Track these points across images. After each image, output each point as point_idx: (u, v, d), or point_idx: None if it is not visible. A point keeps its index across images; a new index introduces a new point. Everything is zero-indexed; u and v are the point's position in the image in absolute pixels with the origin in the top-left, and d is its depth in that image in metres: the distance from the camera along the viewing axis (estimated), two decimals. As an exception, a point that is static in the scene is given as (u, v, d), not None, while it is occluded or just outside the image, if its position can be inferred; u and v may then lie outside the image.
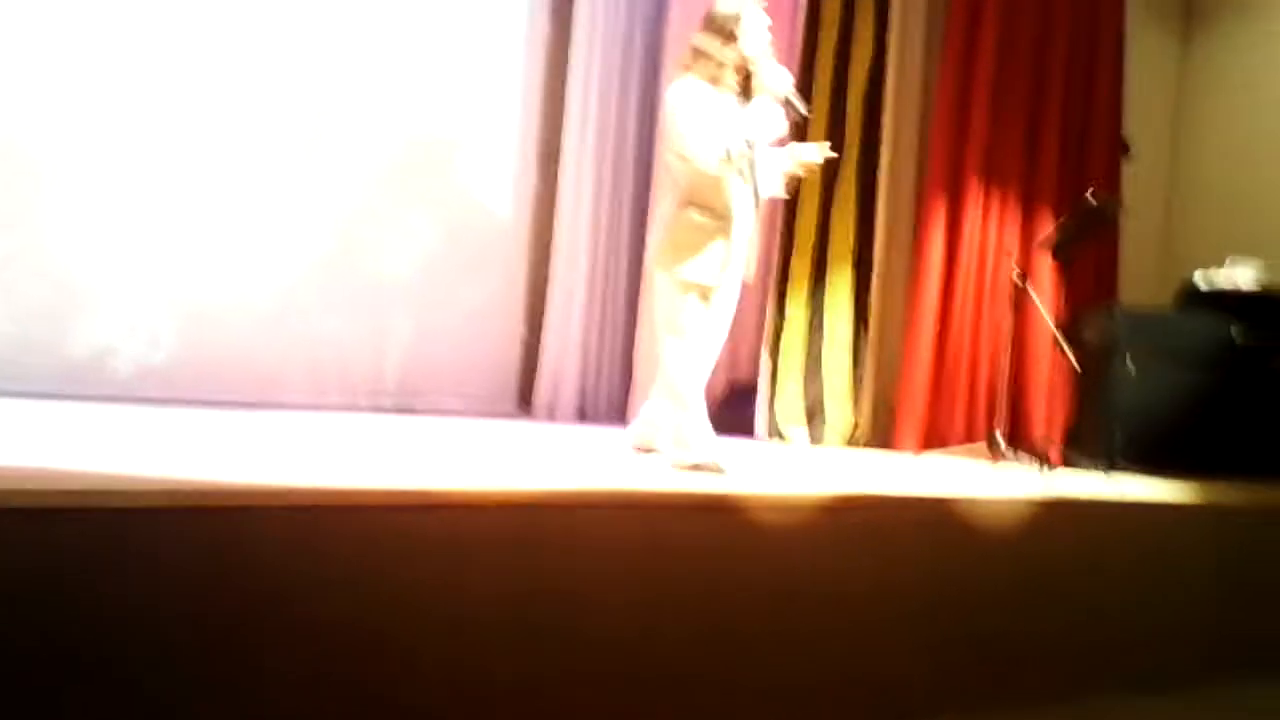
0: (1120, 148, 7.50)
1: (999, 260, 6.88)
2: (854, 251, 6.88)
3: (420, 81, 7.11)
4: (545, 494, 3.92)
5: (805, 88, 6.77)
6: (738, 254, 4.66)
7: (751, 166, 4.62)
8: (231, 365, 6.47)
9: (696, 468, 4.60)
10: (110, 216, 6.19)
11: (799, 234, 6.86)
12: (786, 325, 6.85)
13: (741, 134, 4.56)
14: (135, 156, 6.25)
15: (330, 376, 6.82)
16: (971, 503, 4.67)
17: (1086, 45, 7.31)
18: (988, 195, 6.94)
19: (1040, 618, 4.66)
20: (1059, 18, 7.16)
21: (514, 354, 7.52)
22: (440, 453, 5.07)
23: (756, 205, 4.72)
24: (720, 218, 4.60)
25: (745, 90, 4.68)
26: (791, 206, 6.80)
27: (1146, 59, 7.96)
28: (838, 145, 6.77)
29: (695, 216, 4.60)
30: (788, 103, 4.69)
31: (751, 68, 4.66)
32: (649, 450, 4.87)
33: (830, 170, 6.79)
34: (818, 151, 4.94)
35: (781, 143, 4.87)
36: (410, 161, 7.10)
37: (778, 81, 4.66)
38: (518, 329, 7.52)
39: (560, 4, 7.55)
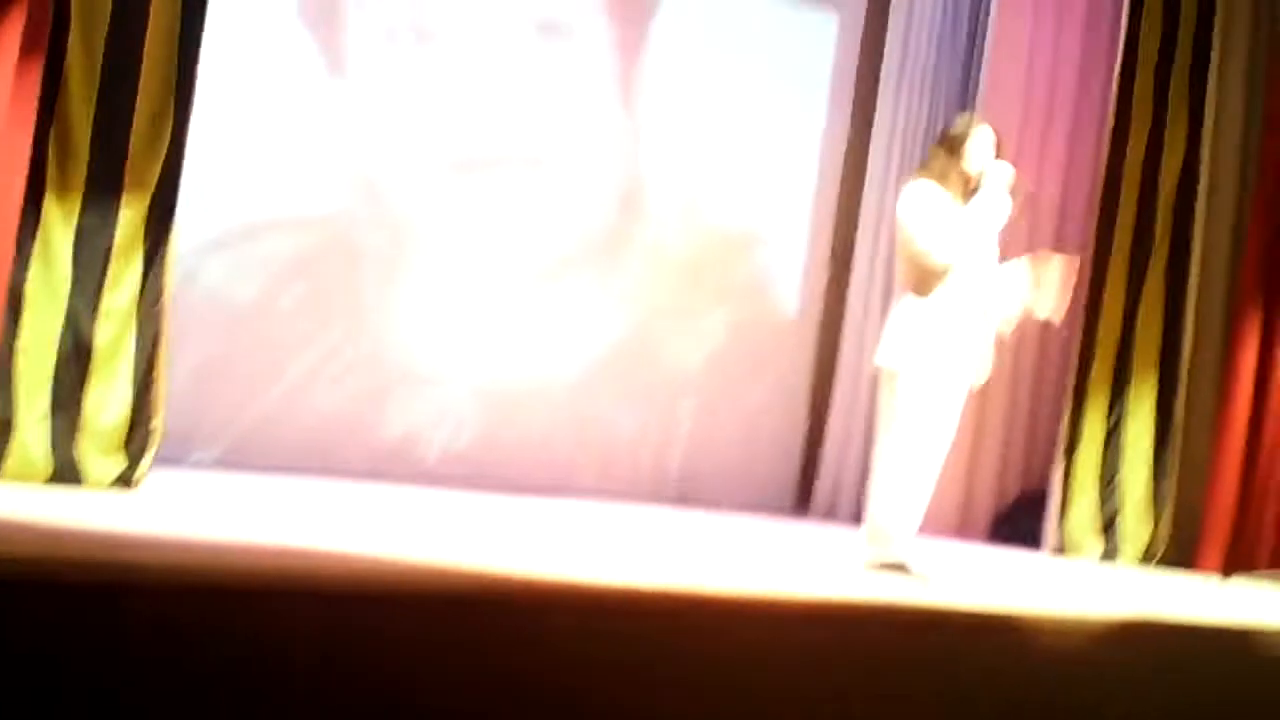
0: None
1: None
2: (1159, 360, 6.64)
3: (715, 177, 7.31)
4: (777, 601, 3.96)
5: (1109, 195, 6.66)
6: (965, 352, 4.68)
7: (982, 258, 4.74)
8: (529, 452, 6.75)
9: (890, 568, 4.60)
10: (422, 308, 6.59)
11: (1100, 340, 6.66)
12: (1083, 433, 6.64)
13: (967, 223, 4.69)
14: (446, 250, 6.65)
15: (619, 466, 7.02)
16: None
17: None
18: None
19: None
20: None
21: (795, 452, 7.54)
22: (708, 552, 5.23)
23: (986, 302, 4.75)
24: (946, 312, 4.66)
25: (970, 198, 4.85)
26: (1091, 313, 6.64)
27: None
28: (1142, 253, 6.62)
29: (920, 310, 4.70)
30: (1013, 190, 4.76)
31: (975, 179, 4.83)
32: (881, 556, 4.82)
33: (1135, 277, 6.62)
34: (1057, 267, 4.87)
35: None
36: (703, 257, 7.29)
37: (1001, 173, 4.80)
38: (800, 427, 7.55)
39: (862, 104, 7.63)
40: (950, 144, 4.89)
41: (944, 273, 4.70)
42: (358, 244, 6.45)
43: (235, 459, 5.92)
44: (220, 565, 3.43)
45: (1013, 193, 4.84)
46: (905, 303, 4.77)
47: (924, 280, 4.75)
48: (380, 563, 3.76)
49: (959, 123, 5.03)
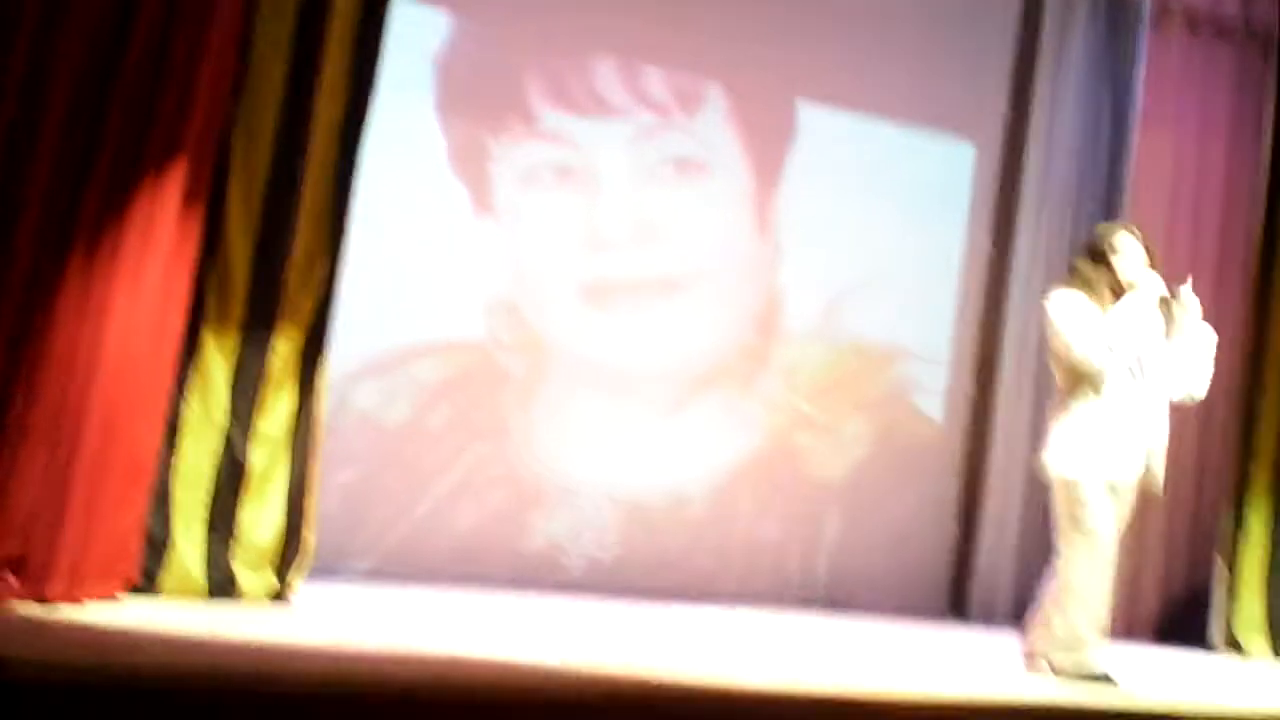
0: None
1: None
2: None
3: (853, 297, 7.45)
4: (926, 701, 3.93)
5: (1261, 306, 6.59)
6: (1132, 452, 4.57)
7: (1140, 363, 4.68)
8: (670, 561, 6.89)
9: (1085, 678, 4.51)
10: (563, 426, 6.81)
11: (1258, 440, 6.57)
12: (1244, 533, 6.53)
13: (1116, 324, 4.66)
14: (586, 372, 6.89)
15: (763, 574, 7.09)
16: None
17: None
18: None
19: None
20: None
21: (946, 558, 7.55)
22: (854, 653, 5.24)
23: (1154, 410, 4.65)
24: (1109, 413, 4.59)
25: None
26: (1249, 416, 6.53)
27: None
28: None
29: (1083, 412, 4.65)
30: (1163, 303, 4.69)
31: (1125, 286, 4.76)
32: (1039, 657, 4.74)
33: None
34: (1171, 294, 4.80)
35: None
36: (846, 367, 7.42)
37: (1150, 285, 4.73)
38: (949, 533, 7.55)
39: (1003, 224, 7.76)
40: (1094, 252, 4.88)
41: (1101, 377, 4.68)
42: (500, 368, 6.73)
43: (386, 572, 6.15)
44: (368, 674, 3.56)
45: (1164, 303, 4.78)
46: (1071, 408, 4.73)
47: (1079, 383, 4.73)
48: (528, 669, 3.85)
49: (1103, 230, 5.02)
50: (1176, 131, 7.27)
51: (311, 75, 4.89)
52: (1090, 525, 4.65)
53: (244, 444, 4.79)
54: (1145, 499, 4.89)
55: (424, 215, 6.57)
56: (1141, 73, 7.38)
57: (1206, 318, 6.86)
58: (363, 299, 6.07)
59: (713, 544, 7.03)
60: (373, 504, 6.35)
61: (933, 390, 7.66)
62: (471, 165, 6.70)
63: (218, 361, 4.77)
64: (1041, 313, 4.84)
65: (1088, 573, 4.64)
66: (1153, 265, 4.85)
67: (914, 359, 7.61)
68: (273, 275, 4.87)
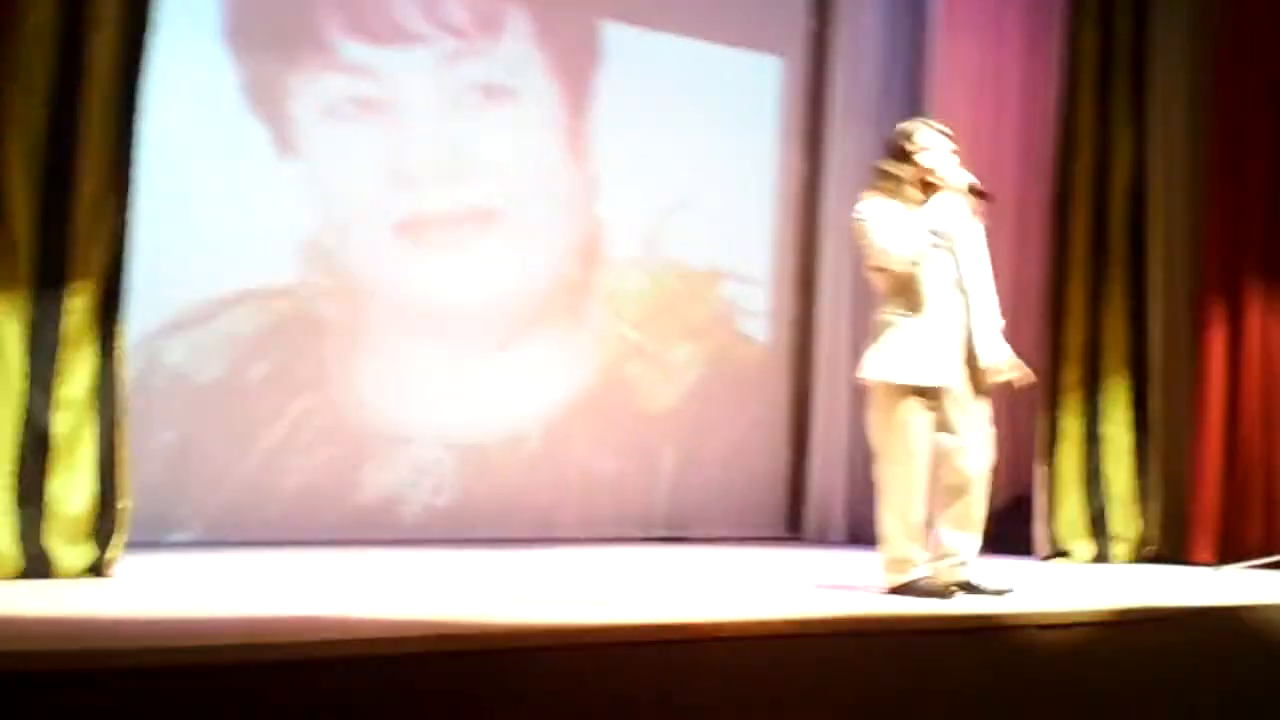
0: None
1: (1285, 357, 6.53)
2: (1128, 357, 6.66)
3: (673, 220, 7.40)
4: (787, 622, 3.93)
5: (1062, 201, 6.69)
6: (951, 356, 4.59)
7: (951, 261, 4.64)
8: (509, 503, 6.79)
9: (913, 591, 4.52)
10: (389, 372, 6.61)
11: (1067, 342, 6.69)
12: (1061, 436, 6.65)
13: (923, 224, 4.59)
14: (408, 312, 6.69)
15: (603, 509, 7.07)
16: (1271, 608, 4.41)
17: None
18: (1269, 290, 6.61)
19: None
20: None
21: (781, 478, 7.64)
22: (700, 583, 5.19)
23: (973, 307, 4.64)
24: (926, 317, 4.56)
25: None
26: (1056, 315, 6.66)
27: None
28: (1100, 254, 6.65)
29: (900, 317, 4.59)
30: (970, 193, 4.66)
31: (930, 179, 4.65)
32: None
33: (1097, 278, 6.65)
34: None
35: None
36: (670, 292, 7.39)
37: (956, 178, 4.64)
38: (783, 453, 7.64)
39: (812, 139, 7.80)
40: (896, 150, 4.76)
41: (911, 278, 4.60)
42: (318, 314, 6.48)
43: (214, 537, 5.92)
44: (197, 644, 3.38)
45: (970, 194, 4.71)
46: (888, 317, 4.65)
47: (895, 289, 4.66)
48: (367, 624, 3.71)
49: (902, 127, 4.87)
50: (976, 36, 7.36)
51: (82, 12, 4.56)
52: (901, 435, 4.58)
53: (46, 411, 4.48)
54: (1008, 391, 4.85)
55: (223, 157, 6.24)
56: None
57: (1011, 217, 7.06)
58: (165, 249, 5.77)
59: (550, 482, 6.95)
60: (195, 467, 6.08)
61: (756, 312, 7.70)
62: (269, 102, 6.39)
63: (8, 324, 4.43)
64: (851, 221, 4.75)
65: (901, 485, 4.58)
66: (956, 156, 4.79)
67: (736, 280, 7.62)
68: (59, 228, 4.54)
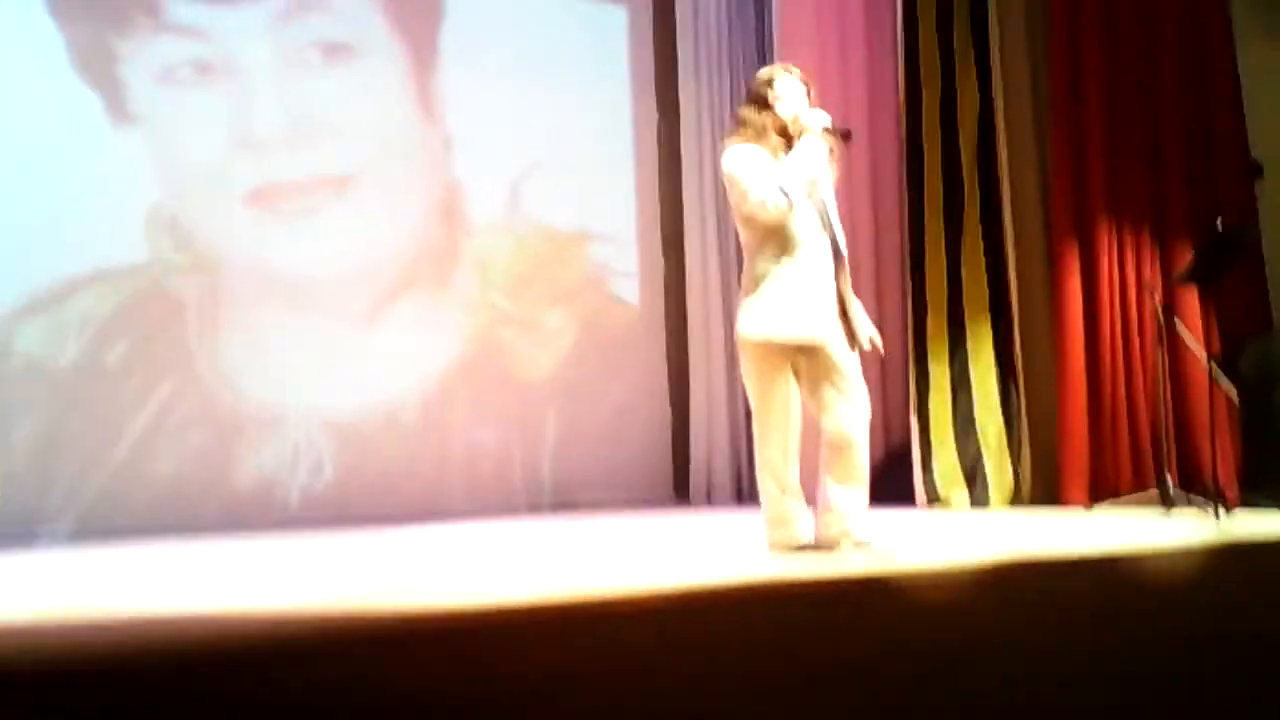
0: (1251, 170, 7.26)
1: (1140, 297, 6.66)
2: (990, 304, 6.72)
3: (532, 178, 7.28)
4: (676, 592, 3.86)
5: (913, 148, 6.71)
6: (823, 307, 4.53)
7: (819, 208, 4.55)
8: (391, 480, 6.65)
9: (797, 549, 4.47)
10: (253, 348, 6.43)
11: (930, 292, 6.73)
12: (931, 386, 6.70)
13: (792, 171, 4.48)
14: (267, 284, 6.50)
15: (487, 482, 6.98)
16: (1142, 558, 4.48)
17: (1197, 70, 7.08)
18: (1119, 231, 6.72)
19: (1234, 676, 4.44)
20: (1165, 45, 6.96)
21: (664, 441, 7.60)
22: (585, 553, 5.08)
23: (839, 260, 4.59)
24: (799, 264, 4.49)
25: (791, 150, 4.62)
26: (917, 265, 6.68)
27: (1270, 74, 7.70)
28: (955, 200, 6.70)
29: (773, 266, 4.49)
30: (829, 132, 4.60)
31: (791, 128, 4.60)
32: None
33: (953, 225, 6.69)
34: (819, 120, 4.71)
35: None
36: (537, 255, 7.28)
37: (815, 119, 4.59)
38: (664, 415, 7.60)
39: (664, 89, 7.71)
40: (757, 96, 4.61)
41: (782, 227, 4.50)
42: (174, 291, 6.27)
43: (87, 530, 5.72)
44: (67, 645, 3.16)
45: (832, 135, 4.67)
46: (758, 268, 4.54)
47: (766, 240, 4.55)
48: (245, 617, 3.52)
49: (761, 74, 4.70)
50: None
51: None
52: (777, 390, 4.51)
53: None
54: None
55: (57, 129, 5.99)
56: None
57: (864, 160, 7.05)
58: (6, 231, 5.58)
59: (431, 456, 6.83)
60: (60, 458, 5.86)
61: (626, 273, 7.62)
62: (100, 69, 6.13)
63: None
64: (717, 170, 4.62)
65: (777, 441, 4.47)
66: (812, 102, 4.72)
67: (603, 240, 7.53)
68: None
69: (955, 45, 6.77)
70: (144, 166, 6.21)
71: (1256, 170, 7.24)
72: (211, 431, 6.28)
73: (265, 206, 6.47)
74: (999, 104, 6.75)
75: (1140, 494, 6.21)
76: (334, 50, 6.71)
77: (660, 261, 7.69)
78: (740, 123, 4.63)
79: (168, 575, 4.63)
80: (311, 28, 6.66)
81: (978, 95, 6.77)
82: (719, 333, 7.39)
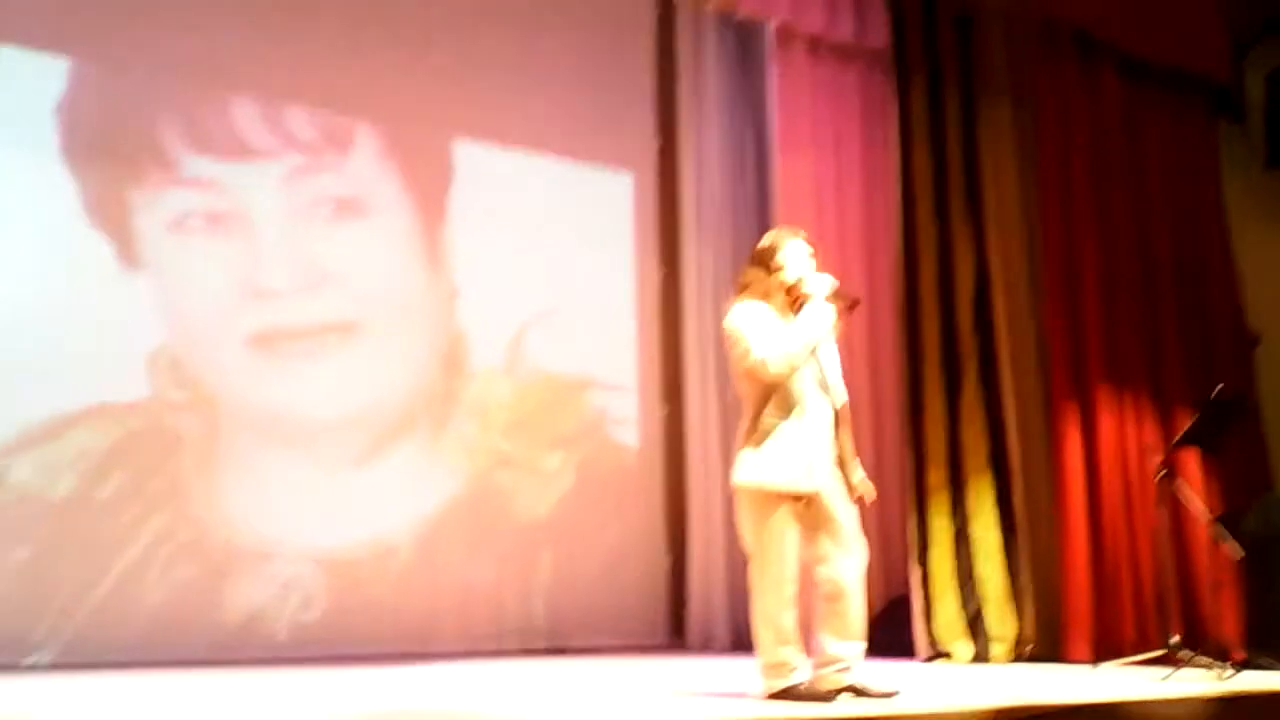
0: (1248, 339, 7.37)
1: (1141, 458, 6.68)
2: (989, 458, 6.72)
3: (535, 330, 7.42)
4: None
5: (911, 307, 6.80)
6: (819, 461, 4.54)
7: (820, 368, 4.59)
8: (382, 617, 6.62)
9: (792, 696, 4.41)
10: (249, 485, 6.45)
11: (929, 446, 6.73)
12: (931, 538, 6.64)
13: (797, 333, 4.54)
14: (265, 424, 6.55)
15: (480, 621, 6.94)
16: (1147, 704, 4.41)
17: (1191, 240, 7.26)
18: (1119, 394, 6.81)
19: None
20: (1159, 214, 7.14)
21: (661, 586, 7.60)
22: (578, 696, 4.99)
23: (839, 414, 4.62)
24: (799, 420, 4.52)
25: (796, 311, 4.66)
26: (916, 419, 6.71)
27: (1264, 249, 7.84)
28: (953, 357, 6.76)
29: (770, 423, 4.51)
30: (835, 297, 4.66)
31: (795, 291, 4.67)
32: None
33: (951, 381, 6.74)
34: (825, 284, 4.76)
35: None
36: (537, 400, 7.38)
37: (820, 285, 4.66)
38: (662, 561, 7.62)
39: (668, 249, 7.95)
40: (763, 259, 4.72)
41: (783, 385, 4.54)
42: (171, 428, 6.32)
43: (71, 659, 5.72)
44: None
45: (838, 300, 4.74)
46: (756, 423, 4.52)
47: (766, 396, 4.58)
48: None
49: (769, 237, 4.83)
50: (814, 147, 7.50)
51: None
52: (773, 539, 4.49)
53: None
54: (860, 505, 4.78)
55: (66, 274, 6.13)
56: (775, 95, 7.57)
57: (862, 322, 7.12)
58: (9, 367, 5.70)
59: (424, 594, 6.79)
60: (50, 587, 5.86)
61: (625, 419, 7.71)
62: (112, 217, 6.29)
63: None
64: (721, 330, 4.68)
65: (773, 590, 4.46)
66: (818, 268, 4.79)
67: (603, 388, 7.62)
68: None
69: (951, 211, 6.90)
70: (151, 309, 6.32)
71: (1253, 340, 7.34)
72: (202, 565, 6.26)
73: (267, 350, 6.56)
74: (995, 266, 6.86)
75: (1147, 655, 6.09)
76: (345, 205, 6.90)
77: (659, 408, 7.79)
78: (745, 284, 4.74)
79: (151, 705, 4.54)
80: (324, 184, 6.85)
81: (974, 258, 6.88)
82: (717, 478, 7.36)
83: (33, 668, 5.55)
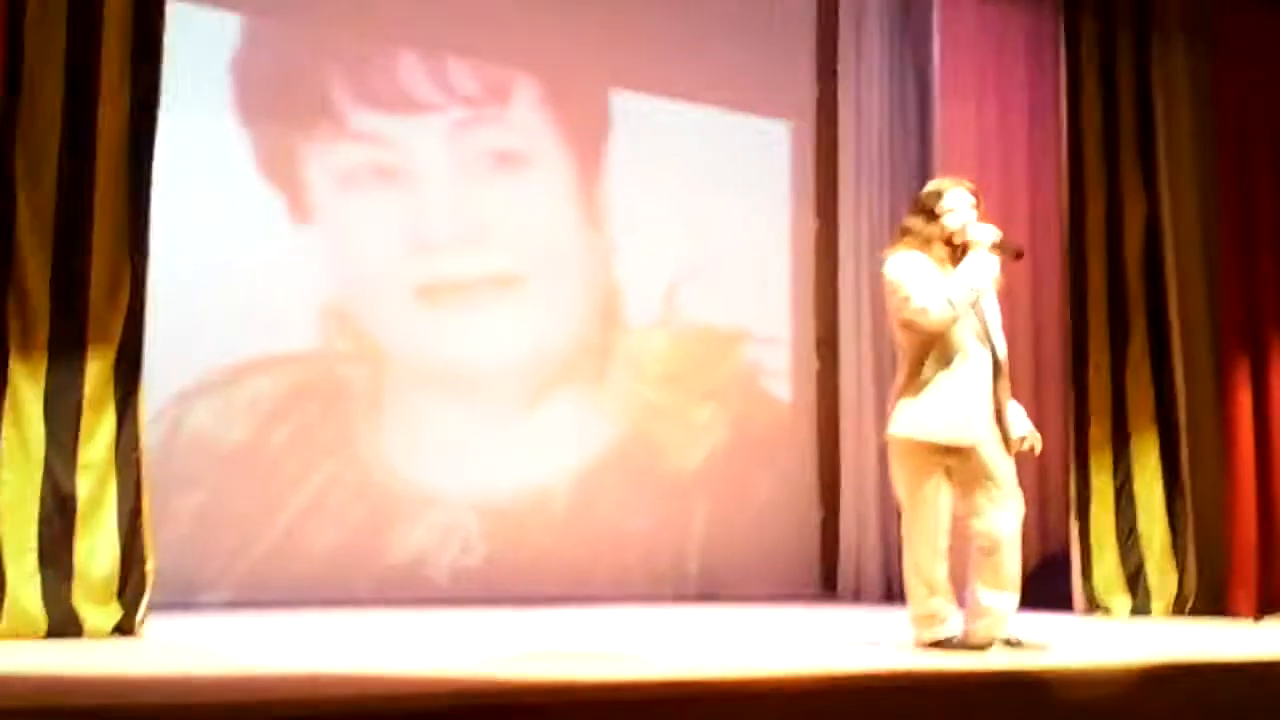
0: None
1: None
2: (1156, 413, 6.58)
3: (690, 282, 7.46)
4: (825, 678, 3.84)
5: (1076, 257, 6.65)
6: (979, 414, 4.49)
7: (981, 318, 4.53)
8: (539, 563, 6.79)
9: (942, 645, 4.41)
10: (414, 434, 6.64)
11: (1093, 400, 6.60)
12: (1093, 493, 6.53)
13: (960, 282, 4.47)
14: (430, 376, 6.73)
15: (634, 569, 7.07)
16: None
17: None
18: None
19: None
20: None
21: (813, 538, 7.64)
22: (730, 639, 5.08)
23: (998, 366, 4.56)
24: (957, 372, 4.47)
25: (956, 262, 4.58)
26: (1080, 373, 6.59)
27: None
28: (1119, 309, 6.61)
29: (929, 374, 4.47)
30: (999, 248, 4.57)
31: (957, 239, 4.59)
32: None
33: (1118, 334, 6.60)
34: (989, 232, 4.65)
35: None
36: (691, 353, 7.43)
37: (984, 234, 4.58)
38: (814, 512, 7.64)
39: (825, 200, 7.87)
40: (925, 207, 4.64)
41: (943, 335, 4.50)
42: (340, 378, 6.51)
43: (244, 600, 5.94)
44: (225, 700, 3.29)
45: (1002, 251, 4.68)
46: (915, 374, 4.49)
47: (925, 347, 4.54)
48: (395, 680, 3.62)
49: (932, 185, 4.75)
50: (978, 93, 7.40)
51: (90, 88, 4.64)
52: (927, 491, 4.47)
53: (68, 473, 4.49)
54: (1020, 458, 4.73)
55: (241, 226, 6.32)
56: (938, 38, 7.44)
57: (1026, 275, 7.00)
58: (185, 316, 5.85)
59: (580, 541, 6.94)
60: (222, 530, 6.10)
61: (778, 371, 7.72)
62: (283, 171, 6.46)
63: (27, 388, 4.46)
64: (879, 278, 4.65)
65: (925, 542, 4.46)
66: (980, 215, 4.72)
67: (756, 341, 7.64)
68: (75, 295, 4.59)
69: (1121, 157, 6.72)
70: (319, 261, 6.51)
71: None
72: (368, 510, 6.46)
73: (432, 302, 6.72)
74: (1166, 215, 6.67)
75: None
76: (506, 158, 7.00)
77: (813, 362, 7.77)
78: (905, 231, 4.69)
79: (316, 642, 4.75)
80: (487, 137, 6.95)
81: (1144, 206, 6.70)
82: (871, 432, 7.36)
83: (207, 605, 5.80)
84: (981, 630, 4.50)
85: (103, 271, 4.64)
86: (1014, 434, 4.59)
